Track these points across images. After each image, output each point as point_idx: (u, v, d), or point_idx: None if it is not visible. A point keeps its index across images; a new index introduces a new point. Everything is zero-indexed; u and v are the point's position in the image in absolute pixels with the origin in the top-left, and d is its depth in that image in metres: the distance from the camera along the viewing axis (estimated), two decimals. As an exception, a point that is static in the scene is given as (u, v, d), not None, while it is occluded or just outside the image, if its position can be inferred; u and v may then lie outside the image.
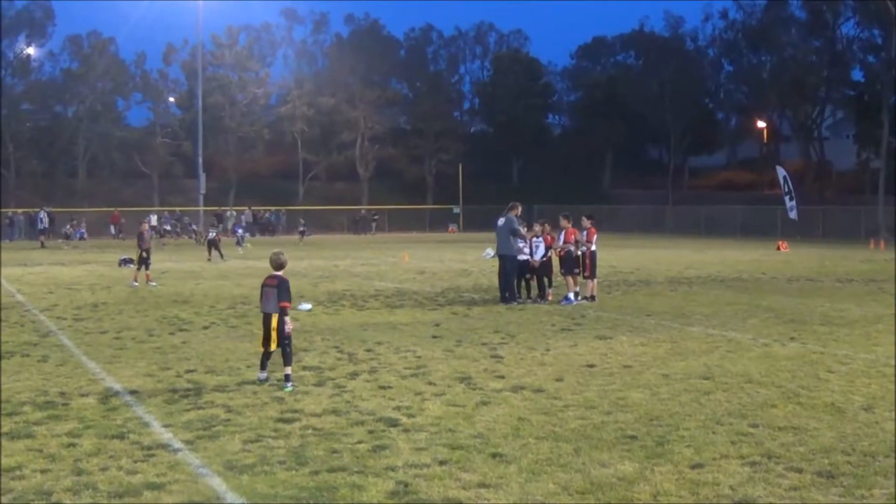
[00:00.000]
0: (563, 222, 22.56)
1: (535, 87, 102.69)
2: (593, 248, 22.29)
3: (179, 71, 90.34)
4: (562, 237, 22.30)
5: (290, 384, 11.43)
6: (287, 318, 11.69)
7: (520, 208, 22.70)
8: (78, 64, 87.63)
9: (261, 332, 12.04)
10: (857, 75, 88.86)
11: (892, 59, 67.16)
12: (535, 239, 22.44)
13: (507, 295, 21.88)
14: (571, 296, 21.74)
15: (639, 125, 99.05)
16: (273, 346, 11.68)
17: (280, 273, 11.97)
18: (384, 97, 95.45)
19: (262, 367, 11.93)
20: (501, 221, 22.33)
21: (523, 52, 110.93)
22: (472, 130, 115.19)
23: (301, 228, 63.99)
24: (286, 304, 11.70)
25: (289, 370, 11.60)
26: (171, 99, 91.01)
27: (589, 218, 22.73)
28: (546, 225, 22.89)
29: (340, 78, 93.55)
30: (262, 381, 11.73)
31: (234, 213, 79.18)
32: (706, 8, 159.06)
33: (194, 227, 61.92)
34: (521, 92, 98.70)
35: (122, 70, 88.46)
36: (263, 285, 11.99)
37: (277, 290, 11.70)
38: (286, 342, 11.66)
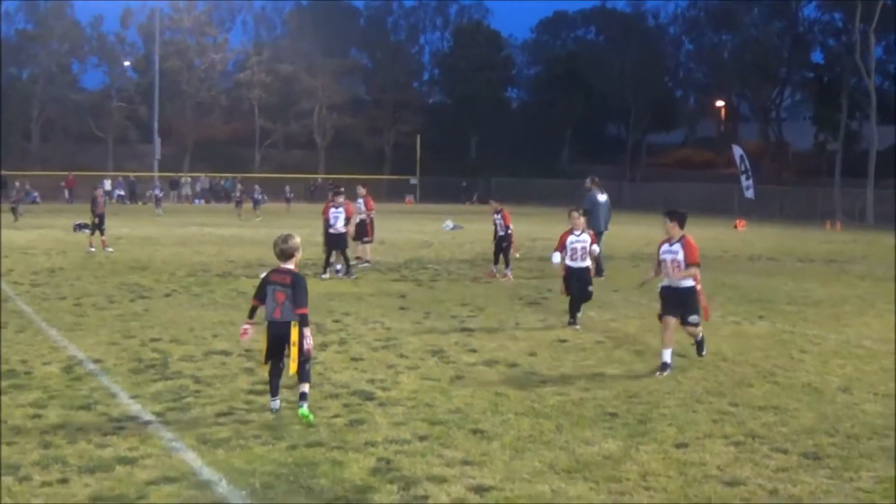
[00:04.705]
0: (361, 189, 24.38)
1: (496, 60, 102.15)
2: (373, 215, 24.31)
3: (136, 34, 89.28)
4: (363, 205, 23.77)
5: (305, 404, 8.62)
6: (307, 330, 8.61)
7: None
8: (33, 25, 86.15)
9: (263, 344, 8.90)
10: (817, 57, 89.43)
11: (852, 43, 67.40)
12: (333, 209, 21.01)
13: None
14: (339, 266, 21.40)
15: (598, 101, 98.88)
16: (293, 369, 8.57)
17: (290, 266, 8.92)
18: (343, 66, 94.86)
19: (274, 392, 8.88)
20: (604, 198, 22.31)
21: (484, 24, 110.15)
22: (430, 102, 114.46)
23: (256, 197, 55.26)
24: (304, 310, 8.64)
25: (306, 387, 8.69)
26: (128, 63, 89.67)
27: (364, 186, 24.81)
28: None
29: (300, 46, 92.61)
30: (275, 411, 8.79)
31: (190, 179, 78.41)
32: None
33: (158, 191, 60.95)
34: (481, 64, 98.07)
35: (78, 32, 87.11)
36: (267, 282, 8.87)
37: (293, 292, 8.68)
38: (304, 359, 8.66)
